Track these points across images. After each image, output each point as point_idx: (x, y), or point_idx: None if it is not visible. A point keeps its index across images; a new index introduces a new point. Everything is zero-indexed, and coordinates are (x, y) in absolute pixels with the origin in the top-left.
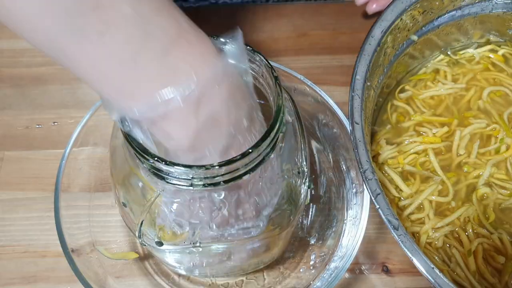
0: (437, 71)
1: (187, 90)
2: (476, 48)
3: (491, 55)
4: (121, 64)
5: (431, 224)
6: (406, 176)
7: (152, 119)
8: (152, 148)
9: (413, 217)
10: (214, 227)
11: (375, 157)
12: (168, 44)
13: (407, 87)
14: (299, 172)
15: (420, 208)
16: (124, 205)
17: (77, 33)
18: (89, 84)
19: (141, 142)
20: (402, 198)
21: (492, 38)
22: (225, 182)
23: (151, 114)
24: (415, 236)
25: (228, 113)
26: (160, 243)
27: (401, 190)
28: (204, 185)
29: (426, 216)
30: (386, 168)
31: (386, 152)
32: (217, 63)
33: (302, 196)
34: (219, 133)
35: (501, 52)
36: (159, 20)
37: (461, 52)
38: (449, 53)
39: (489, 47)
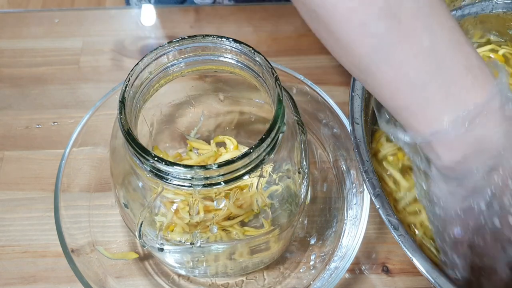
0: None
1: (462, 115)
2: (477, 48)
3: (491, 55)
4: (413, 88)
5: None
6: (405, 170)
7: (425, 143)
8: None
9: (410, 208)
10: None
11: (375, 154)
12: (456, 76)
13: None
14: (299, 172)
15: (416, 200)
16: (124, 205)
17: (386, 62)
18: (384, 103)
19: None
20: (400, 193)
21: (492, 38)
22: (225, 182)
23: (423, 138)
24: (411, 228)
25: (497, 138)
26: (161, 249)
27: (399, 184)
28: (204, 185)
29: (423, 207)
30: (385, 164)
31: (386, 149)
32: (494, 93)
33: (302, 196)
34: (485, 156)
35: (501, 52)
36: (451, 55)
37: None
38: None
39: (489, 47)
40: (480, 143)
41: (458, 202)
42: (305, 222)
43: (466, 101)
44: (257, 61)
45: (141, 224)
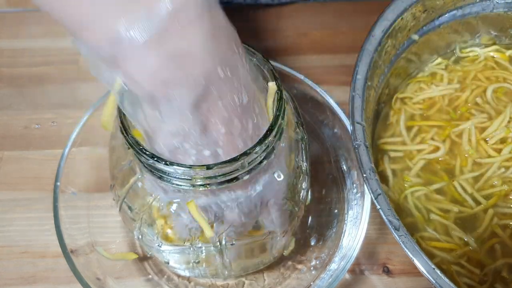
0: (434, 74)
1: (139, 21)
2: (482, 49)
3: (495, 54)
4: None
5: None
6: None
7: (109, 55)
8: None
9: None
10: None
11: (376, 154)
12: None
13: (407, 89)
14: (299, 172)
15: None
16: (125, 206)
17: None
18: (61, 21)
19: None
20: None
21: (493, 37)
22: (226, 182)
23: (102, 47)
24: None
25: (199, 56)
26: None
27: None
28: (204, 185)
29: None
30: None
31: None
32: None
33: (303, 196)
34: (186, 79)
35: (508, 53)
36: None
37: (466, 50)
38: (456, 50)
39: (494, 47)
40: (181, 59)
41: (165, 142)
42: (305, 222)
43: (151, 4)
44: (258, 61)
45: (141, 224)
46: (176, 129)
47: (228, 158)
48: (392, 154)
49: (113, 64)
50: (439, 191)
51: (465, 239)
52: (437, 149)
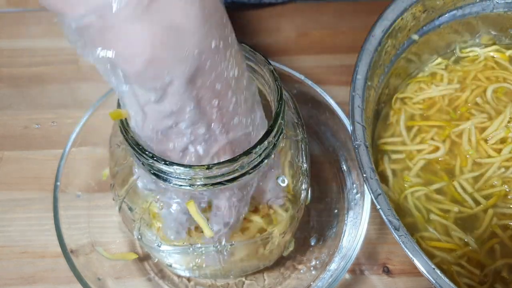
0: (434, 74)
1: None
2: (482, 48)
3: (495, 54)
4: None
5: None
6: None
7: (95, 32)
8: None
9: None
10: None
11: (376, 154)
12: None
13: (407, 89)
14: (299, 172)
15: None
16: (124, 206)
17: None
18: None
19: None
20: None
21: (493, 37)
22: (225, 182)
23: (89, 21)
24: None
25: (192, 27)
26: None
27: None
28: (204, 185)
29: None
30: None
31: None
32: None
33: (303, 196)
34: (181, 52)
35: (508, 53)
36: None
37: (466, 50)
38: (456, 50)
39: (494, 47)
40: (172, 30)
41: (157, 124)
42: (305, 222)
43: None
44: (258, 61)
45: (140, 224)
46: (170, 108)
47: (224, 134)
48: (394, 156)
49: (102, 42)
50: (439, 191)
51: (465, 240)
52: (437, 149)
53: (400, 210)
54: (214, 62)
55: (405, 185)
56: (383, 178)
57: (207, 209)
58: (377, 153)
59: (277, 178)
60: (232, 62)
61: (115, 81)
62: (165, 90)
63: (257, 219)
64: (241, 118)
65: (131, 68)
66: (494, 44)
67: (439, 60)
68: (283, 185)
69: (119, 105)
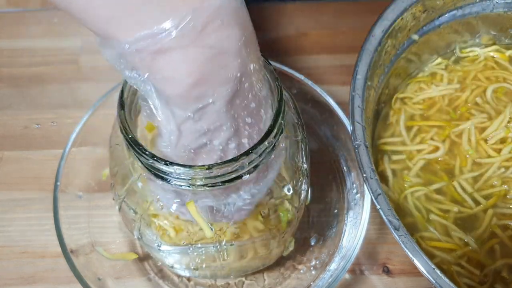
0: (434, 74)
1: (185, 18)
2: (482, 48)
3: (495, 54)
4: None
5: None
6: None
7: (147, 56)
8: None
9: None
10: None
11: (376, 154)
12: None
13: (407, 89)
14: (299, 173)
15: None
16: (124, 206)
17: None
18: (82, 21)
19: (142, 93)
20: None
21: (493, 37)
22: (226, 182)
23: (143, 45)
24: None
25: (236, 49)
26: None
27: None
28: (204, 185)
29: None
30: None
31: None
32: None
33: (303, 196)
34: (226, 75)
35: (508, 53)
36: None
37: (466, 50)
38: (456, 50)
39: (494, 47)
40: (218, 55)
41: (192, 142)
42: (305, 222)
43: (186, 2)
44: None
45: (140, 224)
46: (207, 127)
47: (248, 146)
48: (394, 157)
49: (150, 65)
50: (439, 191)
51: (465, 240)
52: (436, 149)
53: (400, 210)
54: (251, 83)
55: (405, 185)
56: (383, 178)
57: None
58: (377, 153)
59: (283, 186)
60: (263, 81)
61: (154, 101)
62: (205, 110)
63: (257, 219)
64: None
65: (177, 90)
66: (494, 44)
67: (439, 60)
68: (289, 193)
69: (119, 105)
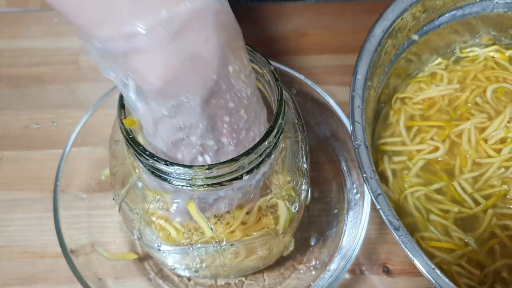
0: (434, 74)
1: (159, 21)
2: (483, 48)
3: (495, 54)
4: None
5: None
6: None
7: (122, 52)
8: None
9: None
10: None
11: (376, 154)
12: None
13: (407, 89)
14: (299, 173)
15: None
16: (124, 206)
17: None
18: (72, 18)
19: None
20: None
21: (493, 37)
22: (226, 182)
23: (115, 45)
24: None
25: (211, 53)
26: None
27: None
28: (204, 185)
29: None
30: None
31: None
32: None
33: (303, 196)
34: (200, 77)
35: (508, 53)
36: None
37: (466, 50)
38: (456, 50)
39: (494, 47)
40: (194, 57)
41: (169, 136)
42: (305, 222)
43: (170, 3)
44: (258, 61)
45: (140, 224)
46: (183, 123)
47: (232, 146)
48: (395, 159)
49: (123, 60)
50: (439, 191)
51: (465, 240)
52: (436, 149)
53: (400, 210)
54: (230, 84)
55: (405, 185)
56: (383, 178)
57: None
58: (377, 153)
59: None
60: (246, 82)
61: (132, 95)
62: (179, 107)
63: (257, 219)
64: (249, 131)
65: (150, 87)
66: (494, 44)
67: (439, 60)
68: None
69: (120, 106)
